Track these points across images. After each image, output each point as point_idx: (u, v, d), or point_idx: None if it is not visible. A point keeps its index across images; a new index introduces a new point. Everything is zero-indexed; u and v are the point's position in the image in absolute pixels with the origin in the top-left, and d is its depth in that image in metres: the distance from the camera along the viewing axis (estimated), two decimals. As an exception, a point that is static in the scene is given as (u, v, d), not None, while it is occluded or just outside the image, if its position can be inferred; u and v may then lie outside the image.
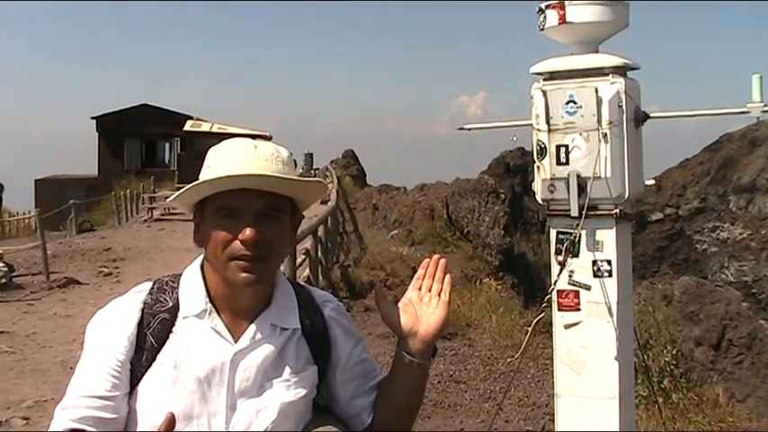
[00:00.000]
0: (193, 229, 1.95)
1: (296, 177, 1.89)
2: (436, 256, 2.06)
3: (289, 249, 2.09)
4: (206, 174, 1.87)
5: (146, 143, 51.30)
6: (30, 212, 30.61)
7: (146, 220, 29.83)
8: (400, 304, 2.02)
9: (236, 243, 1.82)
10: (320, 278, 13.63)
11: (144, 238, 23.45)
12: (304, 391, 1.92)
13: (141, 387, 1.84)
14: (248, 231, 1.80)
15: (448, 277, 2.03)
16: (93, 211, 35.29)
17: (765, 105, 3.99)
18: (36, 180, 46.09)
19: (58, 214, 25.53)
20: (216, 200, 1.85)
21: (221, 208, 1.84)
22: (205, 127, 45.01)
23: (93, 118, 51.71)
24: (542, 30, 4.42)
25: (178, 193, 1.88)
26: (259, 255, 1.83)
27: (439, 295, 2.02)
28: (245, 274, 1.83)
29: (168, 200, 1.98)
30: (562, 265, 4.29)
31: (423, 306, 2.02)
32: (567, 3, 4.28)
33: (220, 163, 1.86)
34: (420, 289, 2.04)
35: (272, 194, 1.86)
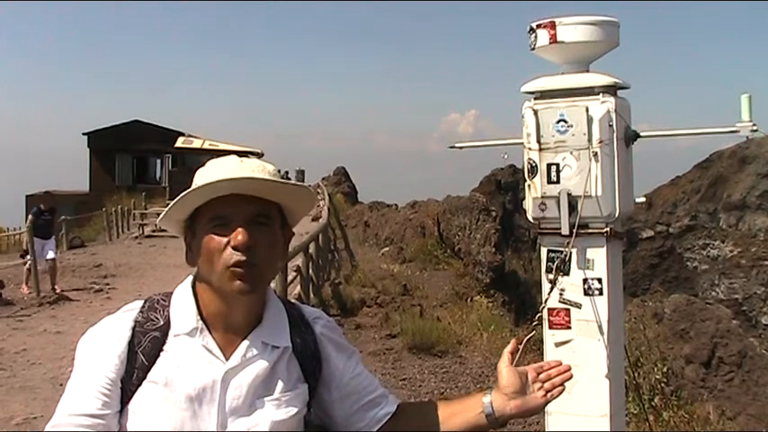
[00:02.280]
0: (185, 249, 1.96)
1: (282, 180, 1.91)
2: (567, 366, 2.11)
3: (281, 263, 2.09)
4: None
5: (137, 159, 51.31)
6: (20, 228, 30.52)
7: (136, 237, 29.81)
8: (519, 368, 2.08)
9: (229, 250, 1.83)
10: (311, 295, 13.62)
11: (135, 254, 23.44)
12: (295, 410, 1.92)
13: (132, 406, 1.84)
14: (240, 235, 1.82)
15: (561, 388, 2.08)
16: (83, 227, 35.22)
17: (754, 125, 4.03)
18: (27, 195, 45.94)
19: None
20: (206, 212, 1.87)
21: (213, 218, 1.86)
22: (196, 143, 45.02)
23: (84, 134, 51.72)
24: (533, 49, 4.45)
25: (168, 208, 1.90)
26: (252, 260, 1.83)
27: (546, 392, 2.07)
28: (239, 283, 1.83)
29: (158, 219, 2.00)
30: (553, 283, 4.30)
31: (530, 385, 2.06)
32: (557, 22, 4.31)
33: (207, 177, 1.88)
34: (538, 375, 2.08)
35: (262, 201, 1.88)
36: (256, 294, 1.91)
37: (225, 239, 1.83)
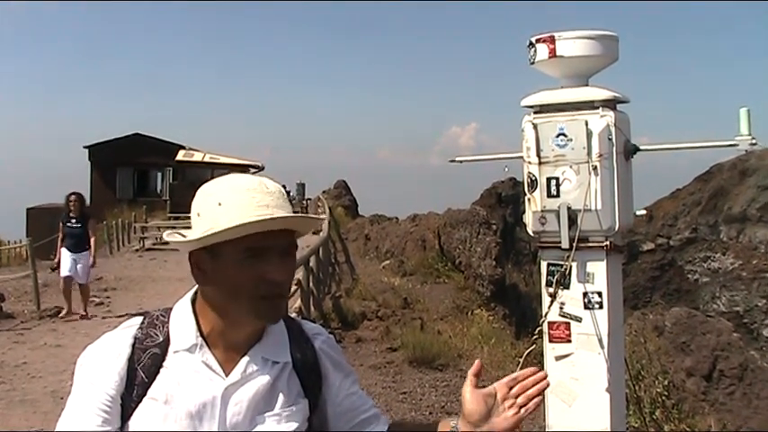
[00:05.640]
0: (193, 266, 1.91)
1: (315, 216, 1.92)
2: (542, 374, 1.94)
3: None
4: (221, 212, 1.83)
5: (138, 172, 51.34)
6: (21, 241, 30.51)
7: (137, 250, 29.76)
8: (484, 390, 1.93)
9: (263, 282, 1.82)
10: (312, 309, 13.60)
11: (135, 267, 23.41)
12: (295, 425, 1.91)
13: (132, 422, 1.83)
14: (281, 271, 1.84)
15: (538, 399, 1.92)
16: (84, 241, 35.13)
17: (753, 138, 4.04)
18: (28, 209, 45.97)
19: (49, 243, 25.40)
20: (240, 240, 1.82)
21: (249, 249, 1.82)
22: (197, 157, 45.07)
23: (85, 147, 51.75)
24: (533, 63, 4.47)
25: (207, 233, 1.83)
26: (283, 293, 1.88)
27: (519, 407, 1.91)
28: (275, 314, 1.89)
29: (189, 238, 1.88)
30: (553, 296, 4.31)
31: (500, 405, 1.91)
32: (557, 37, 4.33)
33: (239, 202, 1.84)
34: (510, 389, 1.92)
35: (291, 232, 1.88)
36: None
37: (259, 271, 1.82)
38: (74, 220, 14.10)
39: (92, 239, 14.47)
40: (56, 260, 14.61)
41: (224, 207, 1.85)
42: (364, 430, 2.04)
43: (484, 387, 1.95)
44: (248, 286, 1.83)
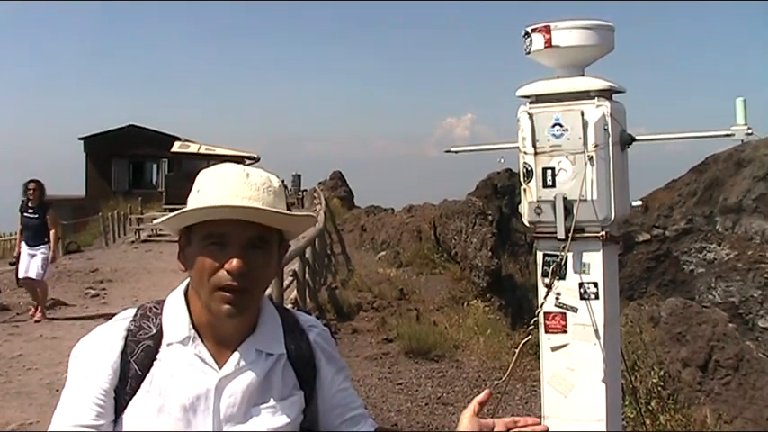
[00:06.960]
0: (179, 250, 1.94)
1: (287, 212, 1.87)
2: (543, 427, 1.90)
3: (272, 279, 2.06)
4: (195, 198, 1.86)
5: (133, 164, 51.35)
6: (16, 233, 30.47)
7: (133, 242, 29.74)
8: (483, 420, 1.89)
9: (222, 272, 1.80)
10: (307, 300, 13.60)
11: (131, 259, 23.38)
12: (291, 417, 1.90)
13: (126, 415, 1.83)
14: (235, 262, 1.79)
15: None
16: (80, 233, 35.16)
17: (749, 128, 4.04)
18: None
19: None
20: (204, 226, 1.83)
21: (209, 235, 1.82)
22: (193, 148, 44.86)
23: (80, 138, 51.69)
24: (529, 53, 4.45)
25: (167, 216, 1.87)
26: (244, 286, 1.81)
27: None
28: (227, 306, 1.81)
29: (155, 222, 1.98)
30: (549, 287, 4.31)
31: None
32: (552, 27, 4.32)
33: (211, 189, 1.85)
34: (508, 430, 1.88)
35: (261, 225, 1.84)
36: (244, 316, 1.89)
37: (219, 261, 1.81)
38: (31, 210, 12.95)
39: (51, 232, 13.10)
40: (15, 253, 13.81)
41: (200, 193, 1.87)
42: (353, 429, 2.02)
43: (484, 417, 1.91)
44: (208, 274, 1.82)
